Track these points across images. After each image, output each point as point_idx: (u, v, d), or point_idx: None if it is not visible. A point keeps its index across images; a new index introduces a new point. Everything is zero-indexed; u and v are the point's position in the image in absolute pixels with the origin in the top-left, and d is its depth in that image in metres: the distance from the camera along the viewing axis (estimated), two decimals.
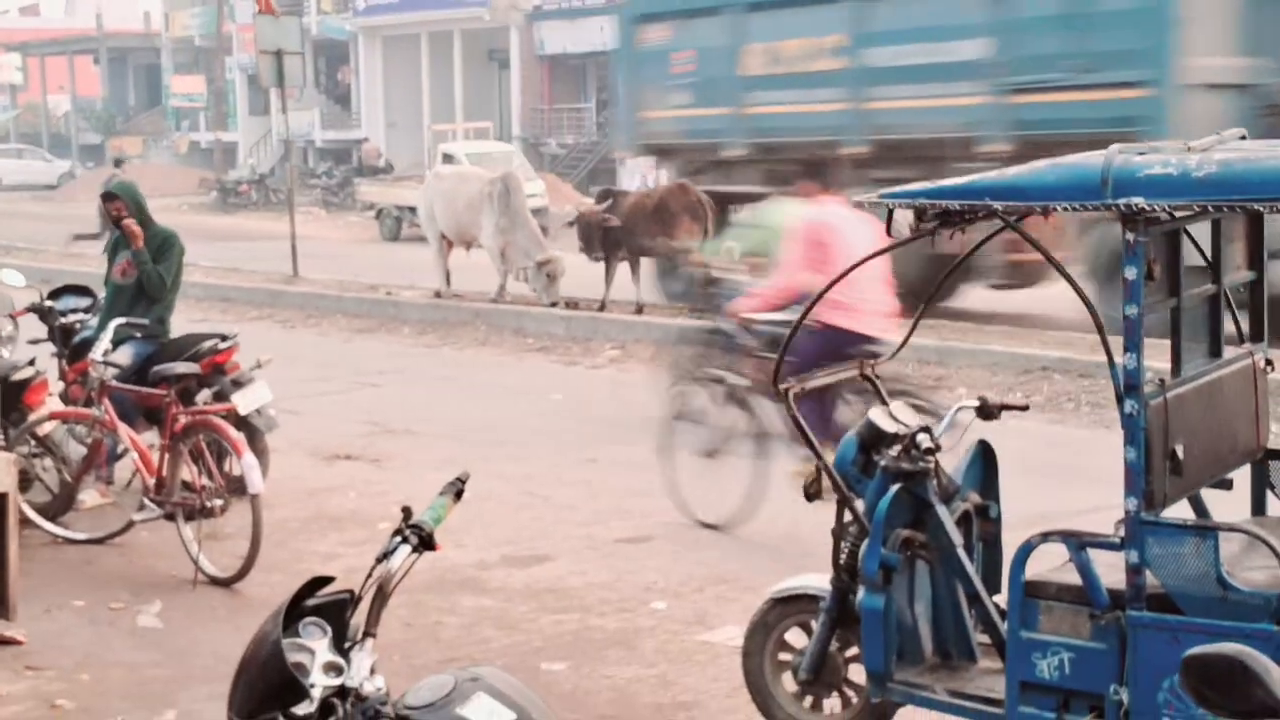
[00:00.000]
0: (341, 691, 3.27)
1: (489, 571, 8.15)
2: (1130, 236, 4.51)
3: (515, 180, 19.11)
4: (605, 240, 18.31)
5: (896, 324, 8.59)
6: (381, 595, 3.40)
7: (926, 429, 5.44)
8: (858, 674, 5.56)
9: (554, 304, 18.24)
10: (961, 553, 5.37)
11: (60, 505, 8.83)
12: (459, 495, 3.63)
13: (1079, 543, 4.80)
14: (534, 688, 3.45)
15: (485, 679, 3.35)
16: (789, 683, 5.77)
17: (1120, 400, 4.64)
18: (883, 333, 8.59)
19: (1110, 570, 4.77)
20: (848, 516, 5.49)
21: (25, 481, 8.50)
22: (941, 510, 5.37)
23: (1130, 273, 4.54)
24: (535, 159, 41.36)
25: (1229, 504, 5.53)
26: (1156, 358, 5.05)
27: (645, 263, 18.51)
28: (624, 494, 9.76)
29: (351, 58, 53.39)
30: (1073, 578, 4.86)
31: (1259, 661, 2.58)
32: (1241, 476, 5.53)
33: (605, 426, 12.03)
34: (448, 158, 32.17)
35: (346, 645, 3.38)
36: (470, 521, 8.86)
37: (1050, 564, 5.03)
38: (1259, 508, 5.59)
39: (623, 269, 18.48)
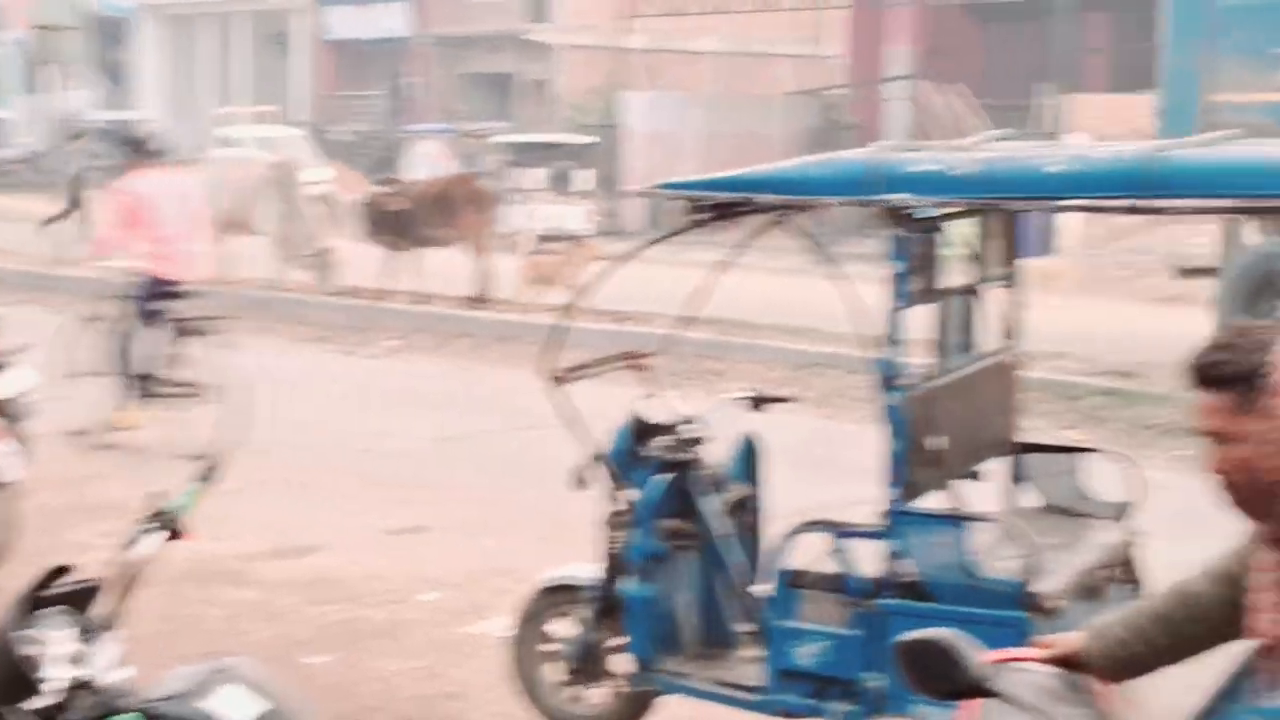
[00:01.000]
0: (83, 684, 3.16)
1: (255, 563, 7.98)
2: (894, 232, 4.60)
3: (293, 165, 18.79)
4: (384, 227, 18.12)
5: (207, 260, 11.36)
6: (127, 584, 3.29)
7: (694, 420, 5.48)
8: (623, 663, 5.57)
9: (332, 292, 17.98)
10: (726, 542, 5.44)
11: None
12: (210, 481, 3.53)
13: (839, 532, 4.89)
14: (297, 680, 3.39)
15: (236, 670, 3.28)
16: (555, 672, 5.77)
17: (882, 393, 4.74)
18: (189, 274, 10.99)
19: (870, 560, 4.86)
20: (617, 506, 5.50)
21: None
22: (707, 500, 5.43)
23: (895, 268, 4.64)
24: (323, 145, 40.71)
25: (982, 496, 5.68)
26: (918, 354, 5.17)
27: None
28: (399, 484, 9.66)
29: (131, 36, 51.86)
30: (831, 567, 4.95)
31: (960, 644, 2.67)
32: (994, 469, 5.69)
33: (382, 417, 11.89)
34: (231, 142, 31.48)
35: (89, 636, 3.26)
36: (237, 511, 8.65)
37: (813, 555, 5.10)
38: (1010, 499, 5.76)
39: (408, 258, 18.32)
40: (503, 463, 10.33)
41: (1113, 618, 3.19)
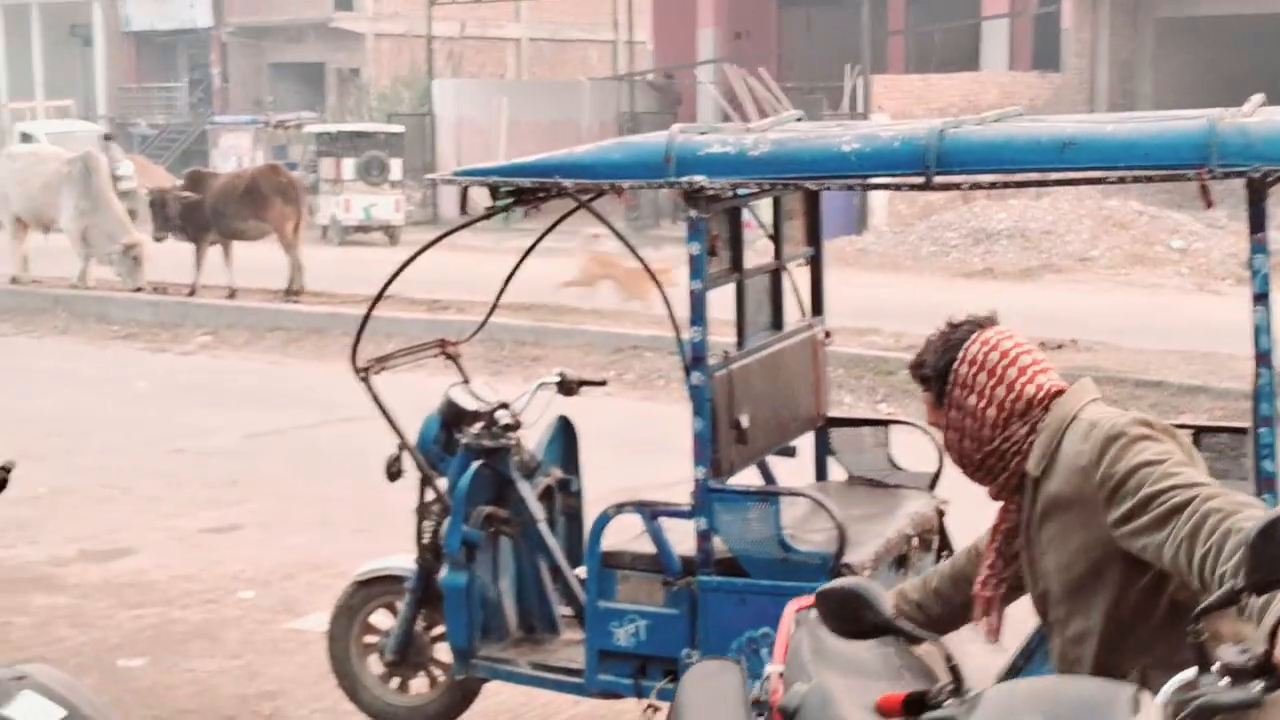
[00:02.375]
0: None
1: (65, 568, 7.79)
2: (692, 214, 4.66)
3: (96, 160, 18.31)
4: (188, 220, 17.77)
5: None
6: None
7: (506, 405, 5.49)
8: (444, 652, 5.56)
9: (139, 289, 17.58)
10: (543, 527, 5.45)
11: None
12: (3, 485, 3.43)
13: (651, 512, 4.93)
14: (110, 686, 3.32)
15: (33, 676, 3.20)
16: (376, 665, 5.73)
17: (688, 373, 4.80)
18: None
19: (685, 538, 4.92)
20: (430, 495, 5.49)
21: None
22: (523, 486, 5.44)
23: (693, 249, 4.69)
24: (124, 140, 39.69)
25: (795, 471, 5.79)
26: (723, 332, 5.25)
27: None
28: (212, 483, 9.49)
29: None
30: (648, 547, 4.99)
31: (871, 591, 2.99)
32: (805, 444, 5.80)
33: (193, 414, 11.67)
34: (26, 137, 30.52)
35: None
36: (45, 516, 8.46)
37: (629, 536, 5.14)
38: (821, 473, 5.87)
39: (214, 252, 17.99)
40: (316, 457, 10.22)
41: (912, 583, 3.60)
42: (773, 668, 3.42)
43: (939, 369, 3.22)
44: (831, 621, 3.06)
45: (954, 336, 3.22)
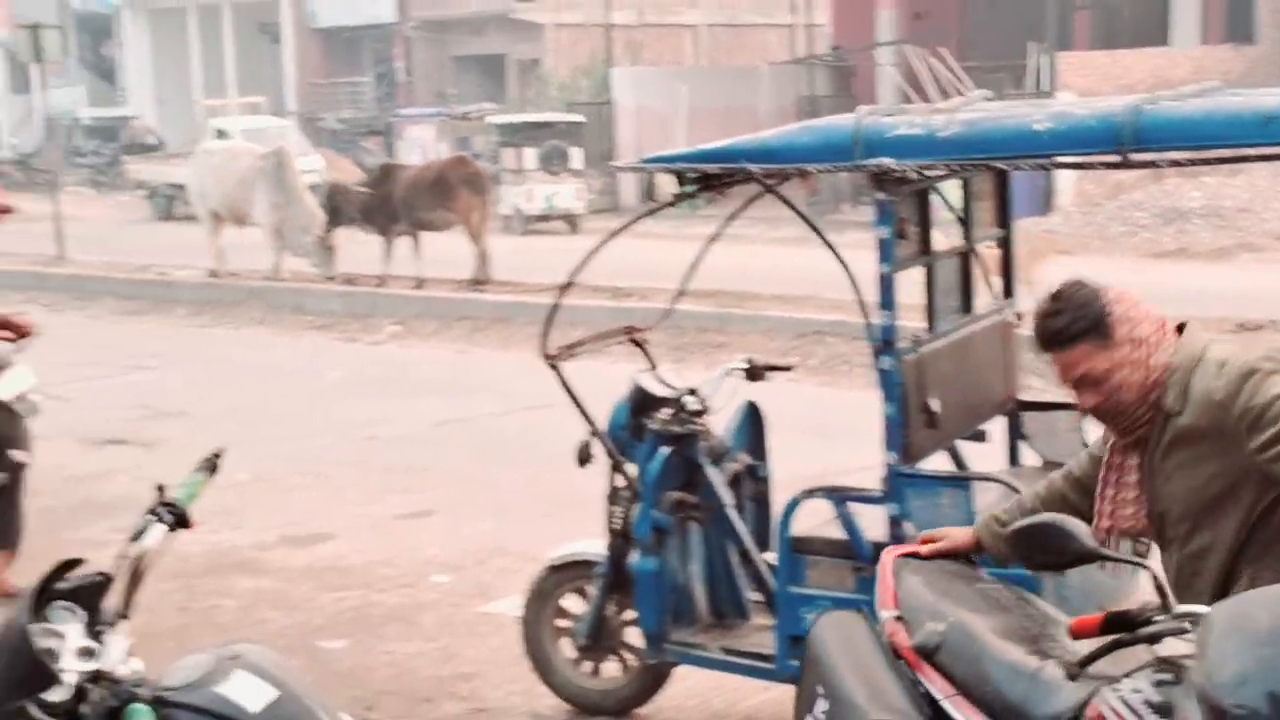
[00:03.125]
0: (96, 676, 3.19)
1: (268, 552, 8.03)
2: (880, 197, 4.63)
3: (287, 155, 18.79)
4: (376, 213, 18.14)
5: None
6: (135, 576, 3.32)
7: (694, 391, 5.51)
8: (635, 637, 5.61)
9: (331, 278, 18.00)
10: (732, 512, 5.47)
11: None
12: (214, 470, 3.55)
13: (841, 497, 4.92)
14: (313, 666, 3.42)
15: (246, 656, 3.30)
16: (568, 648, 5.81)
17: (877, 357, 4.77)
18: None
19: (875, 524, 4.90)
20: (620, 481, 5.54)
21: None
22: (712, 471, 5.45)
23: (882, 232, 4.66)
24: (312, 134, 40.66)
25: (986, 455, 5.72)
26: (914, 317, 5.21)
27: None
28: (404, 470, 9.69)
29: (116, 32, 51.74)
30: (837, 532, 4.98)
31: (1071, 523, 3.30)
32: (996, 429, 5.72)
33: (384, 403, 11.93)
34: (221, 134, 31.45)
35: (100, 628, 3.29)
36: (248, 502, 8.72)
37: (818, 521, 5.14)
38: (1013, 458, 5.79)
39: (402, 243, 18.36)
40: (503, 444, 10.37)
41: (997, 513, 3.88)
42: (887, 613, 3.66)
43: (1094, 318, 3.39)
44: (1033, 555, 3.36)
45: (1081, 290, 3.44)
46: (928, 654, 3.50)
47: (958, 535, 3.91)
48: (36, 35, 20.53)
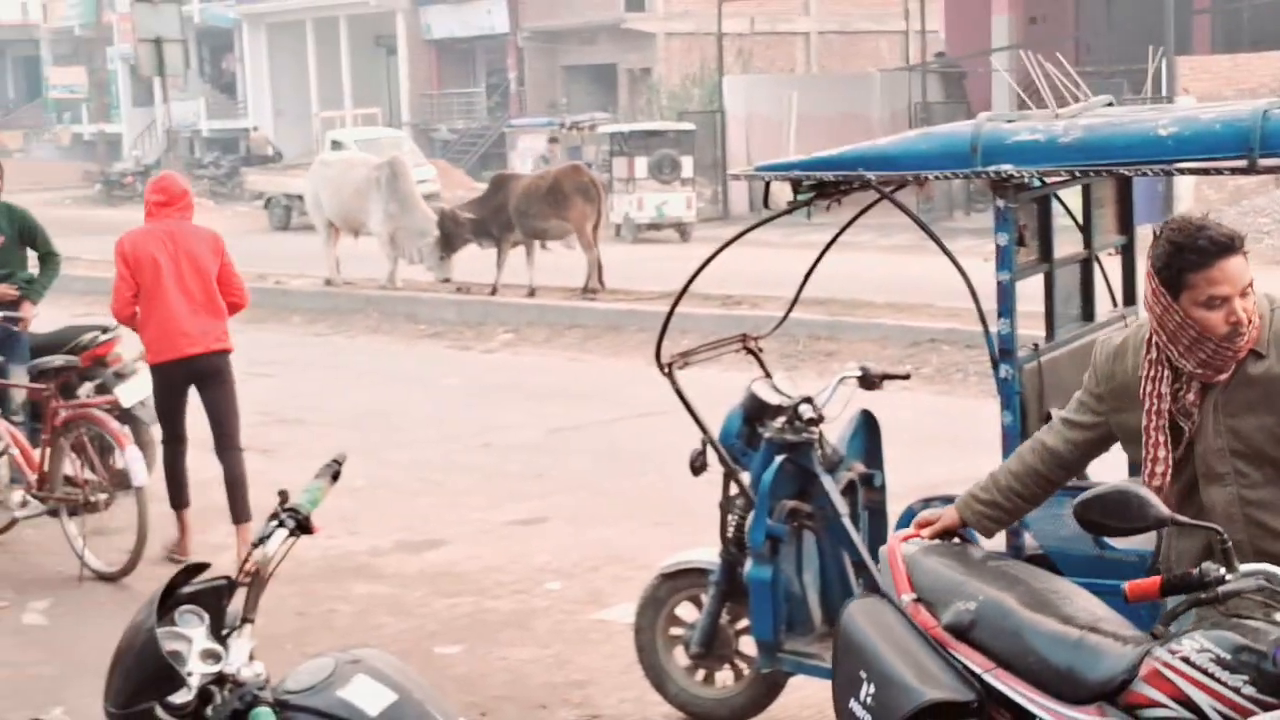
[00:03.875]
0: (219, 678, 3.24)
1: (383, 558, 8.11)
2: (1000, 203, 4.57)
3: (402, 164, 19.00)
4: (491, 224, 18.27)
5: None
6: (258, 580, 3.36)
7: (809, 399, 5.48)
8: (749, 646, 5.60)
9: (447, 280, 18.14)
10: (847, 521, 5.42)
11: None
12: (335, 477, 3.59)
13: None
14: (428, 672, 3.45)
15: (366, 661, 3.33)
16: (681, 657, 5.80)
17: (995, 366, 4.71)
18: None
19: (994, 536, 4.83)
20: (733, 489, 5.52)
21: None
22: (826, 480, 5.41)
23: (1001, 239, 4.61)
24: (426, 145, 41.10)
25: (1106, 464, 5.62)
26: (1032, 325, 5.14)
27: None
28: (518, 477, 9.75)
29: (236, 45, 52.67)
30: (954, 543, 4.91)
31: (1144, 491, 3.46)
32: None
33: (498, 410, 12.00)
34: (337, 145, 31.90)
35: (224, 632, 3.34)
36: (363, 508, 8.81)
37: None
38: (1135, 467, 5.68)
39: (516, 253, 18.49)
40: (615, 451, 10.39)
41: (976, 487, 4.10)
42: (905, 596, 3.82)
43: (1239, 233, 3.65)
44: (1106, 523, 3.51)
45: (1207, 221, 3.64)
46: (961, 632, 3.66)
47: (948, 515, 4.12)
48: (159, 49, 20.97)
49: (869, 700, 3.70)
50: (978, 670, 3.61)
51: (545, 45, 43.69)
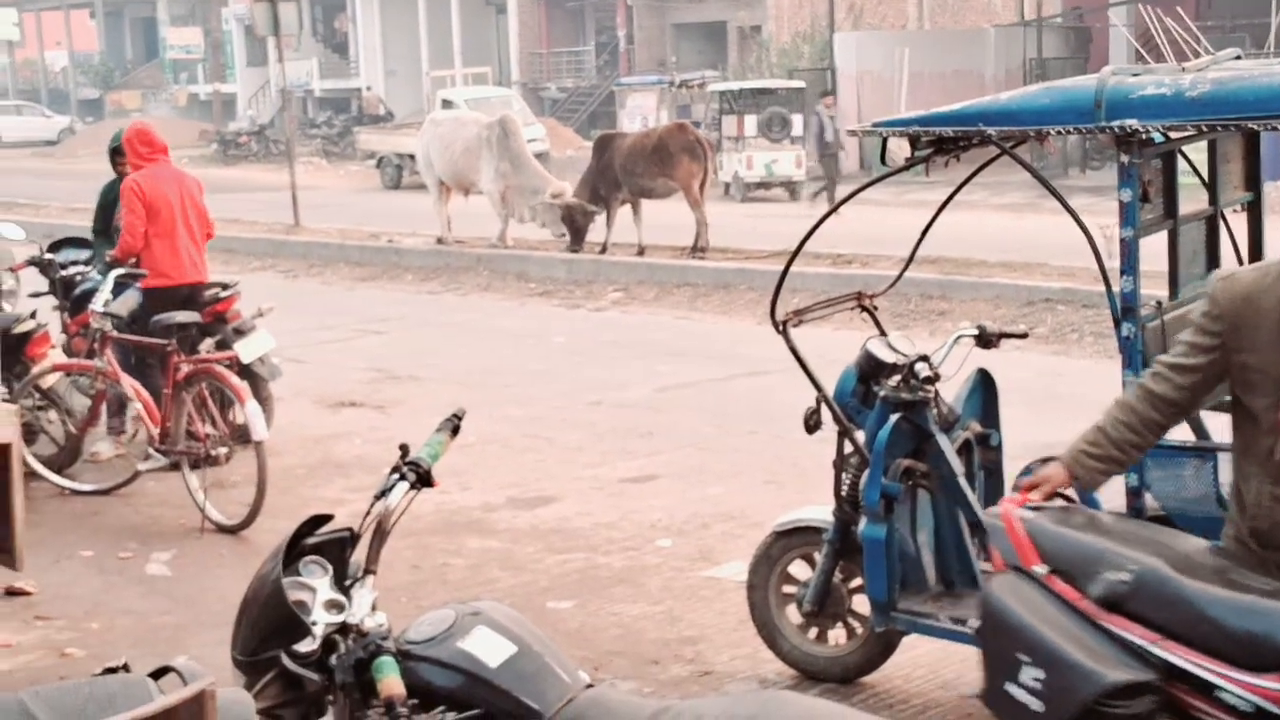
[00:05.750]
0: (343, 628, 3.29)
1: (495, 513, 8.18)
2: (1124, 159, 4.49)
3: (513, 123, 19.05)
4: (597, 185, 18.29)
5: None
6: (381, 532, 3.40)
7: (925, 358, 5.43)
8: (862, 604, 5.58)
9: (563, 234, 18.18)
10: (963, 481, 5.38)
11: (66, 457, 8.85)
12: (455, 431, 3.62)
13: None
14: (540, 626, 3.47)
15: (486, 613, 3.36)
16: (794, 615, 5.80)
17: (1118, 325, 4.64)
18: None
19: (1112, 495, 4.77)
20: (848, 448, 5.50)
21: (31, 434, 8.52)
22: (942, 439, 5.37)
23: (1125, 195, 4.53)
24: (535, 103, 41.19)
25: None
26: (1155, 284, 5.05)
27: None
28: (628, 434, 9.78)
29: (349, 5, 53.09)
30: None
31: None
32: None
33: (607, 368, 12.05)
34: (447, 104, 32.08)
35: (347, 583, 3.39)
36: (475, 464, 8.90)
37: None
38: (1199, 430, 5.58)
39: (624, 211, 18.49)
40: (725, 409, 10.38)
41: (1083, 443, 4.02)
42: (1038, 568, 3.65)
43: None
44: None
45: None
46: (1115, 604, 3.49)
47: (1054, 475, 4.02)
48: (274, 9, 21.17)
49: (1036, 684, 3.52)
50: (1144, 644, 3.46)
51: (655, 3, 43.54)
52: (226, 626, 3.43)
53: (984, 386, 5.63)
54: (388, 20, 50.69)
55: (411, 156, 26.54)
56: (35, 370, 8.76)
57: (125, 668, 2.88)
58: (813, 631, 5.78)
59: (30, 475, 7.83)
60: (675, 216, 18.55)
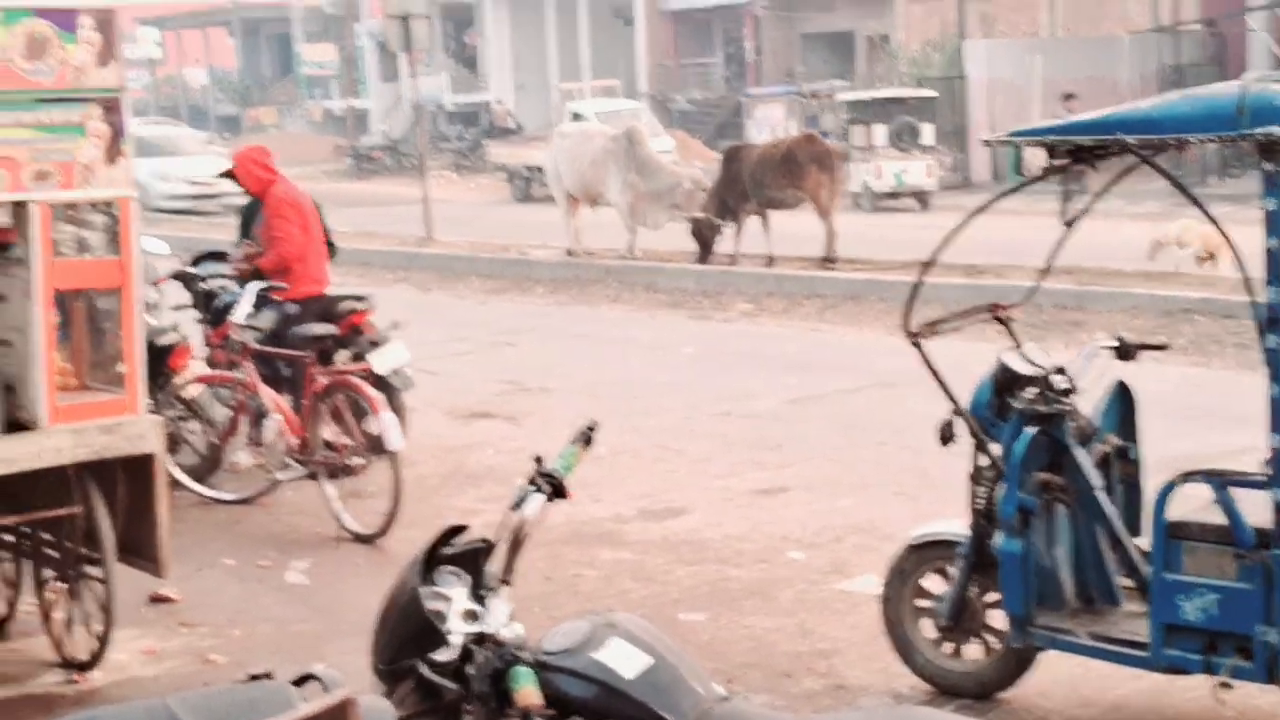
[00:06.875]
0: (480, 638, 3.32)
1: (626, 524, 8.21)
2: (1269, 167, 4.40)
3: (639, 133, 19.11)
4: (729, 197, 18.28)
5: None
6: (516, 543, 3.43)
7: (1062, 370, 5.36)
8: (998, 619, 5.51)
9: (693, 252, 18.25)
10: (1101, 495, 5.30)
11: (207, 467, 9.04)
12: (589, 443, 3.64)
13: (1222, 481, 4.71)
14: (672, 638, 3.47)
15: (621, 624, 3.37)
16: (928, 629, 5.74)
17: (1263, 335, 4.54)
18: None
19: (1256, 510, 4.67)
20: (983, 461, 5.43)
21: (173, 444, 8.71)
22: (1080, 453, 5.30)
23: (1270, 204, 4.44)
24: (663, 115, 41.27)
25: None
26: None
27: None
28: (758, 446, 9.76)
29: (478, 20, 53.64)
30: (1217, 518, 4.78)
31: None
32: None
33: (737, 379, 12.03)
34: (577, 116, 32.27)
35: (483, 593, 3.41)
36: (606, 475, 8.93)
37: (1193, 506, 4.94)
38: None
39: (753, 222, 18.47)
40: (856, 421, 10.32)
41: None
42: None
43: None
44: None
45: None
46: None
47: None
48: (407, 25, 21.47)
49: None
50: None
51: (783, 13, 43.44)
52: (363, 635, 3.48)
53: (1122, 399, 5.54)
54: (517, 34, 51.12)
55: (540, 169, 26.71)
56: (178, 382, 8.96)
57: (268, 675, 2.94)
58: (948, 646, 5.72)
59: (174, 485, 8.00)
60: (804, 227, 18.49)
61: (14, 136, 5.65)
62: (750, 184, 18.21)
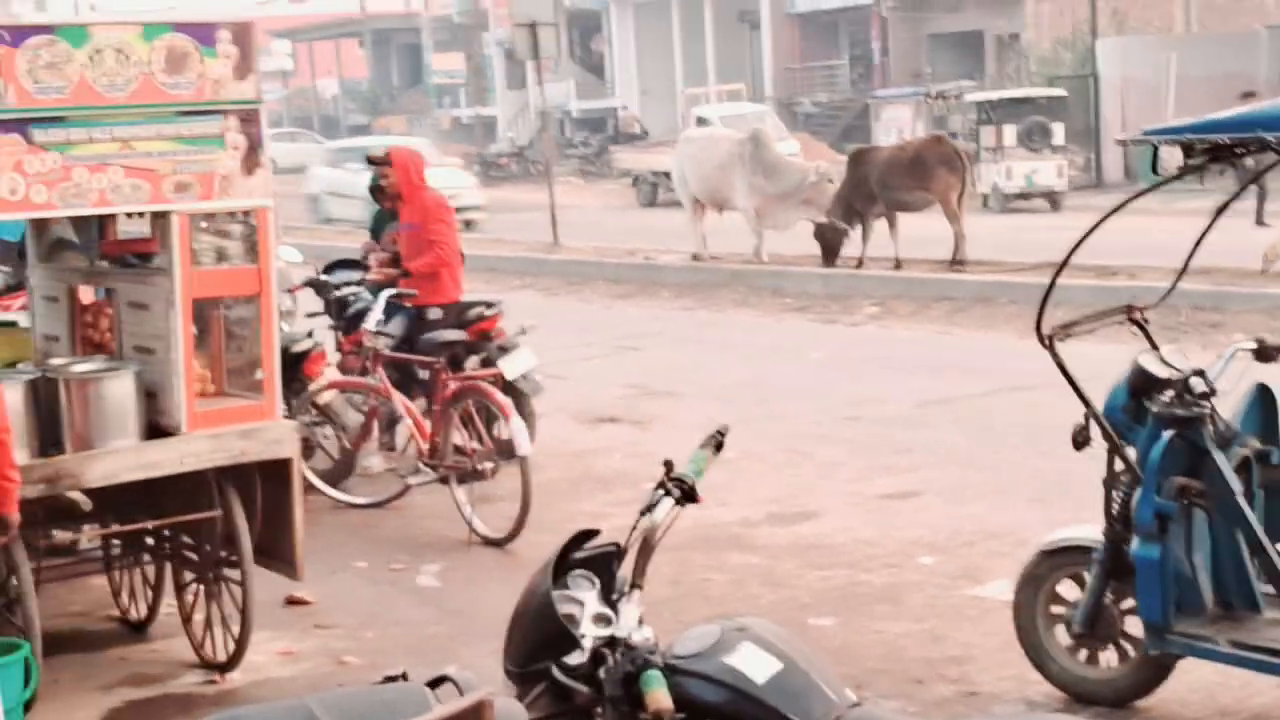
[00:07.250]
0: (611, 641, 3.33)
1: (755, 529, 8.19)
2: None
3: (764, 135, 19.08)
4: (856, 200, 18.17)
5: None
6: (647, 547, 3.43)
7: (1200, 372, 5.26)
8: (1134, 626, 5.42)
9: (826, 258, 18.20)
10: (1242, 500, 5.19)
11: (341, 471, 9.18)
12: (719, 447, 3.63)
13: None
14: (802, 643, 3.46)
15: (752, 629, 3.36)
16: (1062, 636, 5.66)
17: None
18: None
19: None
20: (1119, 465, 5.35)
21: (307, 449, 8.85)
22: (1219, 457, 5.19)
23: None
24: (788, 118, 41.14)
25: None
26: None
27: None
28: (888, 450, 9.69)
29: (604, 26, 53.89)
30: None
31: None
32: None
33: (865, 383, 11.95)
34: (702, 121, 32.28)
35: (614, 597, 3.42)
36: (734, 480, 8.92)
37: None
38: None
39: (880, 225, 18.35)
40: (987, 425, 10.20)
41: None
42: None
43: None
44: None
45: None
46: None
47: None
48: (534, 33, 21.63)
49: None
50: None
51: (909, 14, 43.09)
52: (494, 638, 3.50)
53: (1263, 402, 5.42)
54: (643, 40, 51.28)
55: (666, 174, 26.80)
56: (312, 388, 9.11)
57: (404, 676, 2.98)
58: (1082, 653, 5.64)
59: (308, 489, 8.13)
60: (932, 229, 18.32)
61: (155, 149, 5.78)
62: (877, 187, 18.10)
